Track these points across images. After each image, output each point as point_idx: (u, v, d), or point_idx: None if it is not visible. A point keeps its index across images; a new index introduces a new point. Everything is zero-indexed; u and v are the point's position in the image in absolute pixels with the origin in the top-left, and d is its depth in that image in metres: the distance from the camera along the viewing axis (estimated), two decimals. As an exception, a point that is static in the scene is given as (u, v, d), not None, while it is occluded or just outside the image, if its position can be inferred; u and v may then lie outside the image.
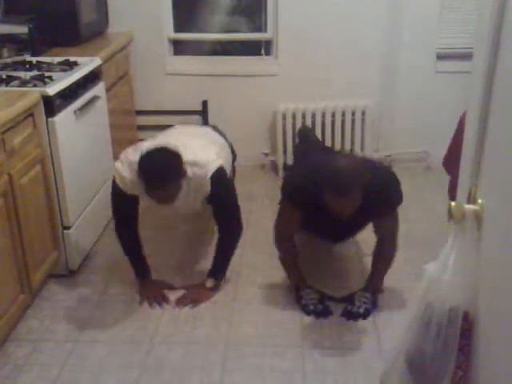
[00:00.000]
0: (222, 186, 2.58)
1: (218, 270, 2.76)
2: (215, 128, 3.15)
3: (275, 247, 2.73)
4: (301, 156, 3.51)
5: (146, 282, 2.76)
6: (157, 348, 2.43)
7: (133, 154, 2.51)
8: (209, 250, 2.97)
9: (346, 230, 2.82)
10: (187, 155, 2.46)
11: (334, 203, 2.33)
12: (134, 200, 2.60)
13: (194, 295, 2.71)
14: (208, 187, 2.53)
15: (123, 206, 2.64)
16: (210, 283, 2.73)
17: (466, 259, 1.38)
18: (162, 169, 2.37)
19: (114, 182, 2.58)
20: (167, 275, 2.86)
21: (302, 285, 2.68)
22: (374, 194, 2.39)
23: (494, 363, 1.31)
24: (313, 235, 2.94)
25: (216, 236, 2.74)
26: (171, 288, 2.77)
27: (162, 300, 2.70)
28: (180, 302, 2.70)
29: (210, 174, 2.51)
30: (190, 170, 2.47)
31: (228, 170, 2.76)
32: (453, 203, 1.36)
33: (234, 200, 2.69)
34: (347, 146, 4.04)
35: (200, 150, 2.57)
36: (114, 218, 2.71)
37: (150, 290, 2.74)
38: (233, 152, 3.06)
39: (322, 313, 2.60)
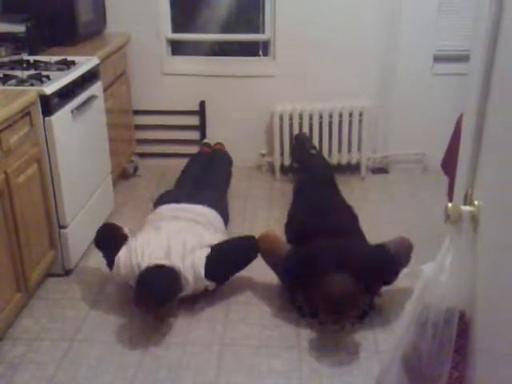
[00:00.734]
0: (219, 272, 2.65)
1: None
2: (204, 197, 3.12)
3: (262, 258, 2.74)
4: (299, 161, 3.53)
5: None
6: (153, 348, 2.42)
7: (138, 257, 2.55)
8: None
9: None
10: (175, 262, 2.52)
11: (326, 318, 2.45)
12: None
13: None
14: (207, 282, 2.59)
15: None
16: (211, 286, 2.71)
17: (462, 260, 1.38)
18: (160, 296, 2.42)
19: (109, 266, 2.68)
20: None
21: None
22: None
23: (490, 364, 1.31)
24: None
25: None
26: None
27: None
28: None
29: (202, 273, 2.56)
30: (184, 277, 2.53)
31: (219, 234, 2.83)
32: (449, 204, 1.36)
33: (235, 260, 2.73)
34: (344, 148, 4.04)
35: (186, 251, 2.58)
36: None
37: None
38: (223, 211, 3.11)
39: (316, 315, 2.59)
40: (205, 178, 3.39)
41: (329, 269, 2.43)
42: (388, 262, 2.55)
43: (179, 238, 2.65)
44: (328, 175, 3.48)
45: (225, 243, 2.76)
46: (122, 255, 2.60)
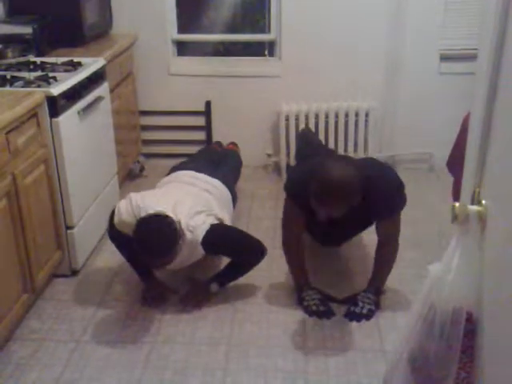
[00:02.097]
0: (216, 245, 2.59)
1: (226, 280, 2.75)
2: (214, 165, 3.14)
3: (282, 249, 2.73)
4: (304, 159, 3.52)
5: (149, 282, 2.76)
6: (159, 348, 2.43)
7: (139, 204, 2.51)
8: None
9: (347, 232, 2.82)
10: (180, 218, 2.46)
11: (314, 207, 2.35)
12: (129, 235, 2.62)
13: (197, 298, 2.70)
14: (201, 250, 2.54)
15: (119, 237, 2.65)
16: (214, 289, 2.72)
17: (469, 260, 1.38)
18: (159, 243, 2.35)
19: (111, 219, 2.60)
20: (168, 275, 2.86)
21: (305, 285, 2.68)
22: (377, 196, 2.39)
23: (497, 364, 1.31)
24: (314, 238, 2.93)
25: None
26: (174, 292, 2.76)
27: (159, 301, 2.69)
28: (184, 301, 2.70)
29: (200, 238, 2.50)
30: (181, 235, 2.46)
31: (226, 213, 2.78)
32: (456, 204, 1.36)
33: (235, 246, 2.67)
34: (350, 147, 4.04)
35: (192, 212, 2.54)
36: (110, 240, 2.73)
37: (151, 289, 2.74)
38: (233, 192, 3.07)
39: (324, 314, 2.60)
40: (216, 164, 3.36)
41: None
42: (396, 181, 2.54)
43: (188, 198, 2.61)
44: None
45: (234, 227, 2.74)
46: (123, 205, 2.55)
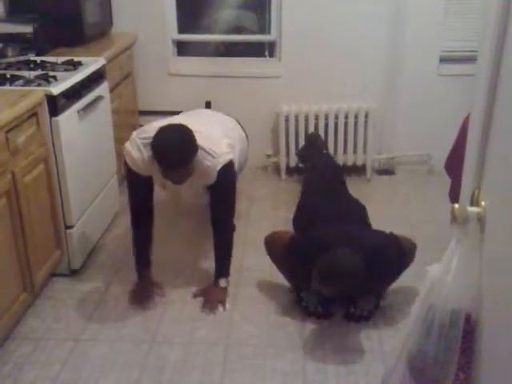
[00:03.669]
0: (227, 181, 2.58)
1: (225, 268, 2.75)
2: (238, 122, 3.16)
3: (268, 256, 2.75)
4: (304, 163, 3.58)
5: (141, 279, 2.75)
6: (158, 348, 2.43)
7: (142, 133, 2.52)
8: (207, 248, 2.95)
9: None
10: (202, 140, 2.44)
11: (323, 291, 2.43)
12: (148, 183, 2.61)
13: (216, 297, 2.70)
14: (214, 177, 2.52)
15: (138, 189, 2.64)
16: (223, 283, 2.72)
17: (468, 261, 1.38)
18: (178, 148, 2.36)
19: (125, 165, 2.59)
20: (167, 276, 2.87)
21: (303, 286, 2.68)
22: (379, 273, 2.45)
23: (496, 366, 1.31)
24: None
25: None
26: (162, 295, 2.75)
27: (144, 301, 2.69)
28: (208, 306, 2.67)
29: (219, 166, 2.50)
30: (200, 155, 2.45)
31: (239, 164, 2.77)
32: (456, 205, 1.36)
33: (232, 197, 2.67)
34: (350, 149, 4.04)
35: (215, 138, 2.55)
36: (130, 204, 2.69)
37: (140, 288, 2.73)
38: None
39: (322, 314, 2.60)
40: None
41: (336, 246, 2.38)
42: (397, 250, 2.54)
43: (206, 123, 2.64)
44: (338, 173, 3.51)
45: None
46: (128, 145, 2.54)
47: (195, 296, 2.74)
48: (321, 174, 3.40)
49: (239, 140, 2.92)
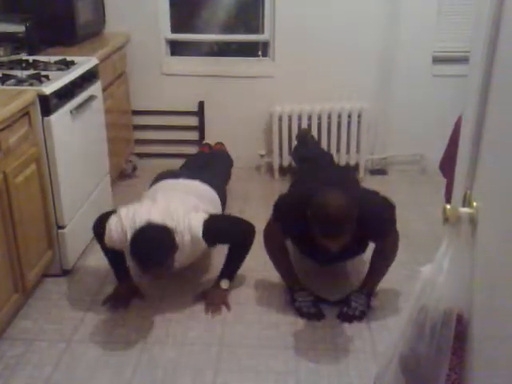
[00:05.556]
0: (216, 234, 2.61)
1: (232, 271, 2.75)
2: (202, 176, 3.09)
3: (266, 252, 2.73)
4: (299, 163, 3.59)
5: (121, 284, 2.74)
6: (150, 348, 2.42)
7: (130, 220, 2.49)
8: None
9: (340, 256, 2.81)
10: (177, 222, 2.48)
11: (323, 243, 2.36)
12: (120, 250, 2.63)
13: (219, 298, 2.70)
14: (203, 243, 2.55)
15: (111, 251, 2.67)
16: (225, 284, 2.72)
17: (460, 262, 1.38)
18: (155, 257, 2.35)
19: (100, 236, 2.59)
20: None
21: (297, 286, 2.69)
22: (370, 223, 2.44)
23: (487, 366, 1.31)
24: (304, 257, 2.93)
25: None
26: (141, 297, 2.73)
27: (120, 305, 2.67)
28: (211, 309, 2.66)
29: (200, 233, 2.51)
30: (180, 238, 2.47)
31: (213, 209, 2.79)
32: (448, 206, 1.36)
33: (232, 229, 2.70)
34: (343, 149, 4.05)
35: (185, 213, 2.54)
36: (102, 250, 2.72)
37: (119, 292, 2.72)
38: (221, 193, 3.07)
39: (314, 316, 2.60)
40: (205, 169, 3.36)
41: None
42: (390, 208, 2.57)
43: (176, 202, 2.60)
44: (329, 158, 3.57)
45: (223, 214, 2.78)
46: (113, 223, 2.52)
47: (197, 298, 2.73)
48: (310, 161, 3.42)
49: (211, 204, 2.88)
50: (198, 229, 2.51)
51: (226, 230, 2.68)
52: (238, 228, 2.72)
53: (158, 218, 2.46)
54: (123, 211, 2.55)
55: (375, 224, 2.49)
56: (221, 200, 3.01)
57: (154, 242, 2.36)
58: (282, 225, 2.62)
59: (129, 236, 2.42)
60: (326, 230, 2.31)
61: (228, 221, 2.79)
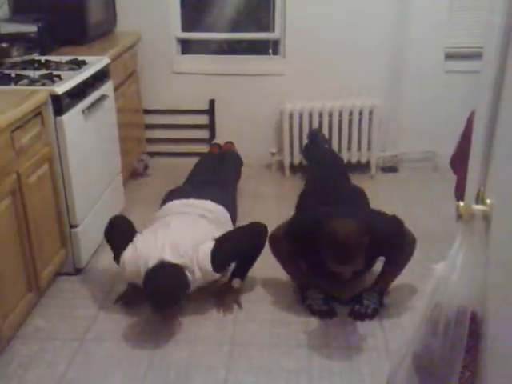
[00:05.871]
0: (225, 261, 2.66)
1: (244, 271, 2.76)
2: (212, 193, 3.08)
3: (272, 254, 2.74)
4: (310, 163, 3.59)
5: (131, 284, 2.75)
6: (162, 347, 2.43)
7: (141, 253, 2.53)
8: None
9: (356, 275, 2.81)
10: (186, 260, 2.50)
11: (335, 269, 2.39)
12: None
13: (231, 297, 2.70)
14: (215, 274, 2.58)
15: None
16: (237, 284, 2.72)
17: (474, 259, 1.37)
18: (168, 299, 2.45)
19: (112, 240, 2.69)
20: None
21: (307, 285, 2.68)
22: (380, 246, 2.47)
23: (501, 363, 1.30)
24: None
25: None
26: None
27: (132, 303, 2.68)
28: (222, 308, 2.67)
29: (209, 266, 2.53)
30: (192, 275, 2.51)
31: (227, 227, 2.83)
32: (461, 203, 1.35)
33: (241, 247, 2.69)
34: (354, 146, 4.04)
35: (194, 247, 2.55)
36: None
37: (132, 290, 2.73)
38: (232, 209, 3.08)
39: (326, 313, 2.59)
40: (214, 177, 3.38)
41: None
42: (399, 227, 2.57)
43: (185, 235, 2.62)
44: (340, 167, 3.54)
45: (230, 232, 2.75)
46: (128, 256, 2.56)
47: (209, 297, 2.73)
48: (321, 167, 3.42)
49: (222, 223, 2.89)
50: (207, 263, 2.53)
51: (234, 254, 2.69)
52: (248, 244, 2.71)
53: (169, 254, 2.49)
54: (138, 246, 2.57)
55: (387, 244, 2.53)
56: (231, 215, 3.03)
57: (168, 283, 2.43)
58: (293, 247, 2.64)
59: (142, 275, 2.47)
60: (337, 258, 2.33)
61: (236, 240, 2.72)
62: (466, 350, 1.42)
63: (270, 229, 2.72)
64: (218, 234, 2.70)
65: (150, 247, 2.55)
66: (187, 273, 2.49)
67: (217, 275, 2.61)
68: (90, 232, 2.96)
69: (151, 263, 2.48)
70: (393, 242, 2.54)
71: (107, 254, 3.05)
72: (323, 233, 2.35)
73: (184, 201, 2.96)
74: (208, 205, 2.93)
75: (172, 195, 3.08)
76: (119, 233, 2.71)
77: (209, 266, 2.53)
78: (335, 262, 2.35)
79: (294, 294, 2.74)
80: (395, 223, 2.60)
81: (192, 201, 2.94)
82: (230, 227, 2.95)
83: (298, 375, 2.27)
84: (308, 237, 2.48)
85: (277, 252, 2.71)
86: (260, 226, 2.73)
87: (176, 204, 2.95)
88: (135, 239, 2.62)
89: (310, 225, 2.53)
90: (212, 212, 2.89)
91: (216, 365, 2.33)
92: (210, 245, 2.59)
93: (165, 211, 2.93)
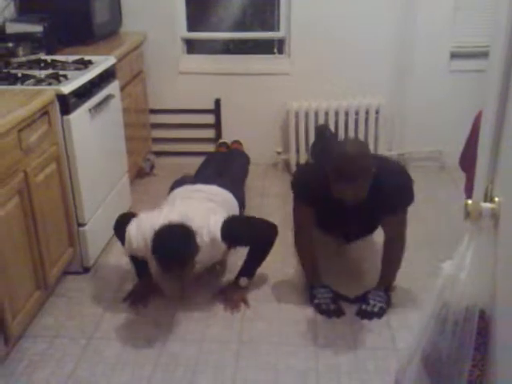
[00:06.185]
0: (235, 236, 2.61)
1: (251, 270, 2.75)
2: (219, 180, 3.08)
3: (295, 249, 2.74)
4: (317, 154, 3.54)
5: (141, 281, 2.77)
6: (170, 345, 2.44)
7: (146, 223, 2.50)
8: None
9: (358, 228, 2.82)
10: (195, 224, 2.46)
11: (339, 190, 2.33)
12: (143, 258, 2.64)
13: (238, 296, 2.70)
14: (223, 245, 2.55)
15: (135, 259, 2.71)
16: (244, 283, 2.72)
17: (482, 258, 1.37)
18: (178, 253, 2.36)
19: (122, 237, 2.60)
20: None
21: (317, 283, 2.69)
22: (386, 191, 2.41)
23: (510, 362, 1.30)
24: (326, 233, 2.93)
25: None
26: (160, 295, 2.75)
27: (140, 302, 2.69)
28: (230, 306, 2.67)
29: (219, 234, 2.51)
30: (200, 239, 2.47)
31: (234, 212, 2.80)
32: (469, 202, 1.35)
33: (251, 231, 2.68)
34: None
35: (203, 217, 2.54)
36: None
37: (139, 289, 2.74)
38: (240, 196, 3.06)
39: (334, 313, 2.60)
40: (221, 171, 3.37)
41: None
42: (405, 177, 2.58)
43: (192, 208, 2.61)
44: None
45: (242, 215, 2.75)
46: (132, 228, 2.53)
47: (216, 296, 2.74)
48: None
49: (229, 207, 2.86)
50: (217, 230, 2.51)
51: (244, 232, 2.66)
52: (258, 230, 2.70)
53: (177, 219, 2.46)
54: (143, 218, 2.56)
55: (391, 190, 2.45)
56: (239, 202, 3.00)
57: (178, 240, 2.37)
58: (303, 197, 2.60)
59: (149, 244, 2.42)
60: (343, 173, 2.27)
61: (247, 223, 2.76)
62: (475, 347, 1.42)
63: (278, 229, 2.72)
64: (226, 212, 2.68)
65: (155, 216, 2.52)
66: (196, 236, 2.44)
67: (223, 248, 2.57)
68: (97, 231, 2.98)
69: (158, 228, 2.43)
70: (395, 197, 2.49)
71: (115, 252, 3.07)
72: (331, 155, 2.37)
73: (190, 186, 2.93)
74: (214, 189, 2.89)
75: (179, 182, 3.07)
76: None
77: (218, 233, 2.50)
78: (341, 179, 2.29)
79: (302, 292, 2.74)
80: (405, 174, 2.58)
81: (199, 186, 2.92)
82: (237, 212, 2.91)
83: (306, 374, 2.27)
84: (314, 176, 2.50)
85: (299, 234, 2.69)
86: (272, 225, 2.72)
87: (183, 189, 2.92)
88: (139, 216, 2.60)
89: (312, 165, 2.61)
90: (218, 195, 2.86)
91: (223, 363, 2.33)
92: (223, 217, 2.58)
93: (172, 197, 2.90)
